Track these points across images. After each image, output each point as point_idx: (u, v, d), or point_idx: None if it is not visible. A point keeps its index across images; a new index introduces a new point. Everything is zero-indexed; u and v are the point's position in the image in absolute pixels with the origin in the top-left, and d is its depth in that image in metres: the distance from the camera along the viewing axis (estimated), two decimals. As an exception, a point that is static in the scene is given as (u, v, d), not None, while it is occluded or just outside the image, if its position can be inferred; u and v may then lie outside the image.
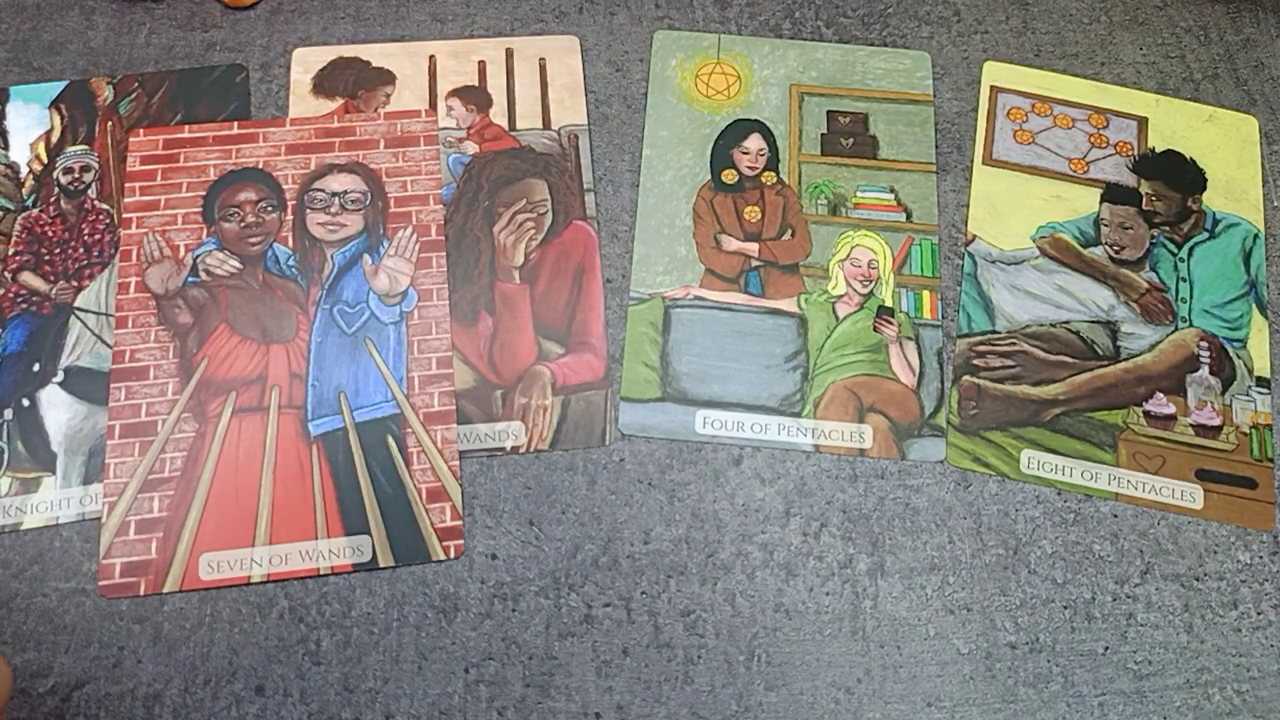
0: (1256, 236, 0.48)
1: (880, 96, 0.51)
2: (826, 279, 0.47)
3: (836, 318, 0.46)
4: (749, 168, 0.49)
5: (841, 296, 0.47)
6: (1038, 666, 0.41)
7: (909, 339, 0.46)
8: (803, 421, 0.44)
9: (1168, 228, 0.48)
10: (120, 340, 0.44)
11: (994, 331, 0.46)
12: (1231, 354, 0.46)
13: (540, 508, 0.43)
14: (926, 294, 0.47)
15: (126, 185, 0.47)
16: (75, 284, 0.45)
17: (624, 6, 0.53)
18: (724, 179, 0.49)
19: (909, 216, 0.48)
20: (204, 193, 0.47)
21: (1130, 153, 0.50)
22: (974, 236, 0.48)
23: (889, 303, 0.47)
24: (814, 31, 0.52)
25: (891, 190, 0.49)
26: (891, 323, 0.46)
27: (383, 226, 0.47)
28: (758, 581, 0.42)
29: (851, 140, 0.50)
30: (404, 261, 0.46)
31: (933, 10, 0.53)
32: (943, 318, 0.47)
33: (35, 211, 0.47)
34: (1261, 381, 0.46)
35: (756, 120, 0.50)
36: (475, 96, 0.50)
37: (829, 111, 0.50)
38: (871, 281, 0.47)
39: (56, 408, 0.43)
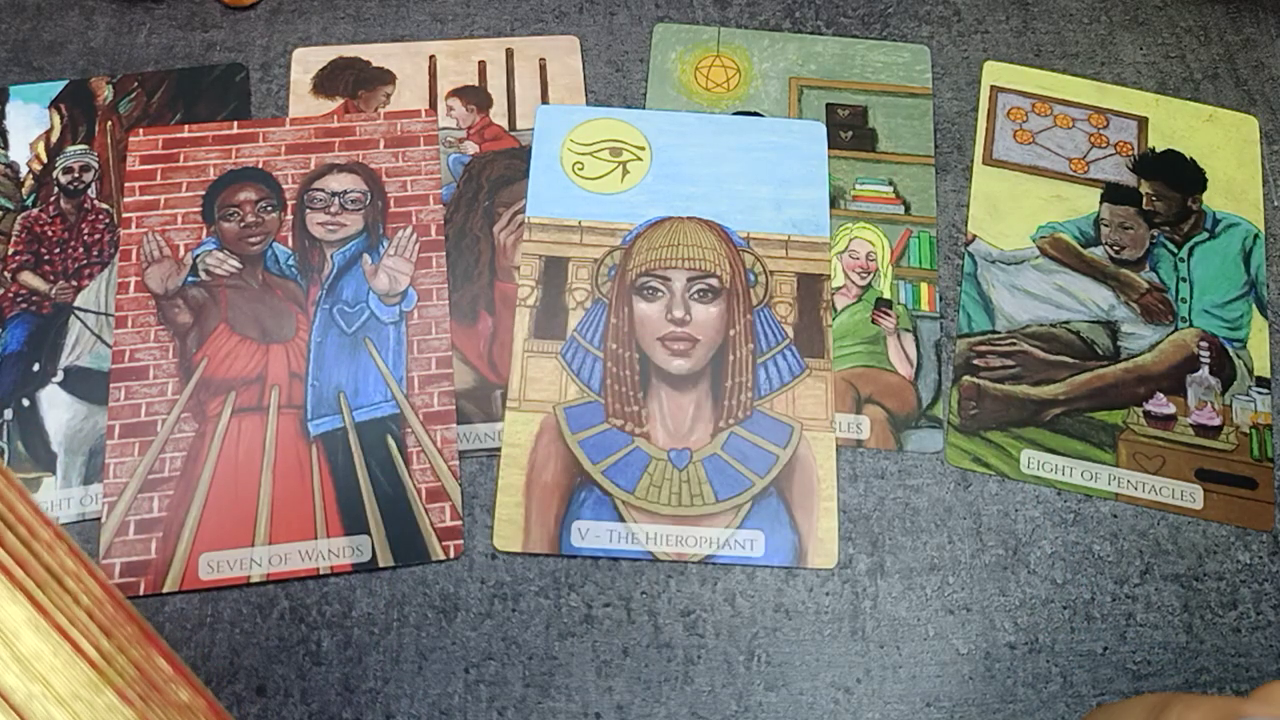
0: (1256, 236, 0.48)
1: (879, 90, 0.51)
2: (826, 278, 0.47)
3: (835, 309, 0.46)
4: (749, 167, 0.49)
5: (840, 288, 0.47)
6: (1037, 667, 0.41)
7: (907, 331, 0.46)
8: (802, 421, 0.44)
9: (1168, 228, 0.48)
10: (120, 340, 0.44)
11: (994, 331, 0.46)
12: (1231, 354, 0.46)
13: (540, 508, 0.43)
14: (925, 286, 0.47)
15: (126, 185, 0.47)
16: (75, 284, 0.45)
17: (624, 6, 0.53)
18: (724, 178, 0.49)
19: (907, 209, 0.48)
20: (204, 192, 0.47)
21: (1130, 153, 0.50)
22: (974, 236, 0.48)
23: (887, 295, 0.47)
24: (814, 31, 0.52)
25: (890, 183, 0.49)
26: (890, 314, 0.46)
27: (382, 226, 0.47)
28: (758, 581, 0.42)
29: (850, 133, 0.50)
30: (404, 261, 0.46)
31: (933, 10, 0.53)
32: (940, 313, 0.47)
33: (35, 211, 0.47)
34: (1261, 381, 0.46)
35: (756, 113, 0.50)
36: (475, 96, 0.50)
37: (828, 104, 0.50)
38: (870, 273, 0.47)
39: (56, 408, 0.43)
